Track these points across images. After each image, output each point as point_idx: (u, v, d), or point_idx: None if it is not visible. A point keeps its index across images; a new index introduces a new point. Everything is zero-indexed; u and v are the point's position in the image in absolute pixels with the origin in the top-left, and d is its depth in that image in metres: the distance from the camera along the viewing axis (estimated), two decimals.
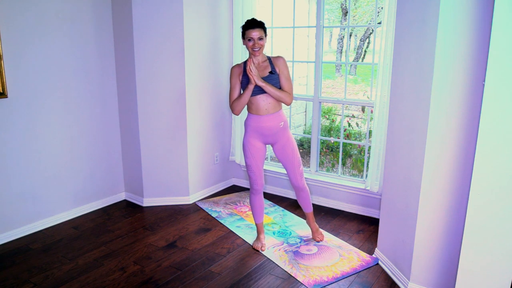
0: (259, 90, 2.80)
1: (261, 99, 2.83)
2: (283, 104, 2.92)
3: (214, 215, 3.75)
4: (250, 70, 2.72)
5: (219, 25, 4.04)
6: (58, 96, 3.44)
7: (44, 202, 3.47)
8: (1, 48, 3.01)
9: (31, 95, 3.26)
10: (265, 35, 2.82)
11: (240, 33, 2.88)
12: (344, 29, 9.76)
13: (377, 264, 2.94)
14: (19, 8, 3.10)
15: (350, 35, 10.94)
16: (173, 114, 3.81)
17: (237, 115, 2.84)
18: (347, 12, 9.37)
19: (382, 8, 3.37)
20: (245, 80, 2.83)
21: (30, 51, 3.20)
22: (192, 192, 4.04)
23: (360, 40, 10.60)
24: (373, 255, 3.04)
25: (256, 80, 2.73)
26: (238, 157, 4.33)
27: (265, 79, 2.81)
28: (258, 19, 2.84)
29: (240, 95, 2.85)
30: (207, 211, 3.84)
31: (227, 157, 4.45)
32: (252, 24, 2.77)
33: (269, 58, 2.89)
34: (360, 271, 2.85)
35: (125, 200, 4.10)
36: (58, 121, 3.47)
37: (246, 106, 2.92)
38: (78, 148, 3.65)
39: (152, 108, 3.77)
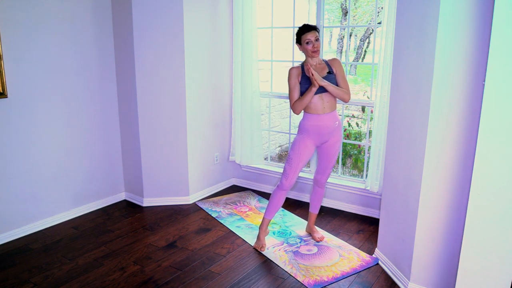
0: (319, 90, 2.85)
1: (319, 98, 2.87)
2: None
3: (214, 215, 3.75)
4: (312, 73, 2.74)
5: (219, 25, 4.04)
6: (58, 96, 3.44)
7: (44, 202, 3.47)
8: (1, 48, 3.01)
9: (31, 95, 3.26)
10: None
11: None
12: (344, 29, 9.75)
13: (377, 264, 2.94)
14: (19, 8, 3.10)
15: (350, 35, 10.94)
16: (173, 114, 3.81)
17: (298, 114, 2.94)
18: (347, 12, 9.37)
19: (382, 8, 3.37)
20: (304, 81, 2.87)
21: (30, 51, 3.21)
22: (192, 192, 4.04)
23: (360, 40, 10.60)
24: (373, 255, 3.04)
25: (319, 81, 2.77)
26: (238, 157, 4.33)
27: (324, 78, 2.85)
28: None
29: (301, 95, 2.87)
30: (207, 211, 3.84)
31: (227, 157, 4.45)
32: (308, 28, 2.85)
33: (324, 61, 2.96)
34: (360, 271, 2.85)
35: (125, 200, 4.10)
36: (58, 121, 3.47)
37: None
38: (78, 148, 3.65)
39: (152, 108, 3.77)
